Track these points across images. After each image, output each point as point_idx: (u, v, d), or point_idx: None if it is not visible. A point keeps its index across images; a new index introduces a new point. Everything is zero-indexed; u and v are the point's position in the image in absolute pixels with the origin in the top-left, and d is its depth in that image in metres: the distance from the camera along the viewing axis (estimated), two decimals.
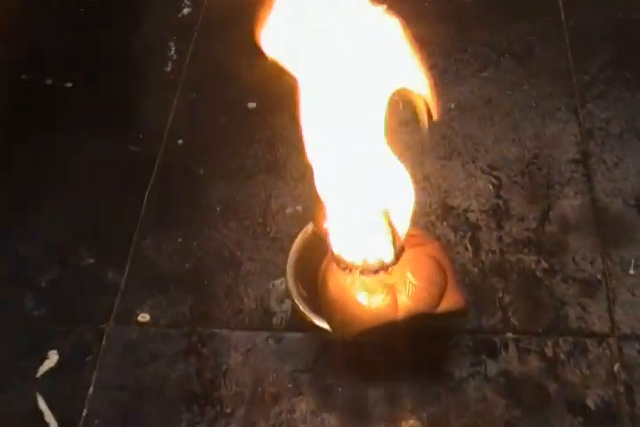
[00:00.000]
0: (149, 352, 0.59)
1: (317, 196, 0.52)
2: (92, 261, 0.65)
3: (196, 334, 0.60)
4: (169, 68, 0.77)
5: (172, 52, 0.78)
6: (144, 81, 0.77)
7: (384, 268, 0.50)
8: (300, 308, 0.55)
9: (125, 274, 0.64)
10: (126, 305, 0.62)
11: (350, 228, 0.49)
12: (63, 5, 0.85)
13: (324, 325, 0.53)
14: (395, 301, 0.49)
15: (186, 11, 0.82)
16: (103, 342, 0.60)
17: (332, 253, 0.51)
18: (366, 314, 0.49)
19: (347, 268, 0.50)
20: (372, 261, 0.50)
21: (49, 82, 0.77)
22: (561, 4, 0.78)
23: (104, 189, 0.69)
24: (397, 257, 0.50)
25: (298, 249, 0.58)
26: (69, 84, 0.77)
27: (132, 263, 0.64)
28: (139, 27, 0.81)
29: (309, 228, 0.59)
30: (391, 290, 0.50)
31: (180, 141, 0.71)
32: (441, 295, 0.50)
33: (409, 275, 0.50)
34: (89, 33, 0.81)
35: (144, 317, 0.62)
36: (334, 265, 0.52)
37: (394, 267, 0.50)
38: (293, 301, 0.56)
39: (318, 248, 0.58)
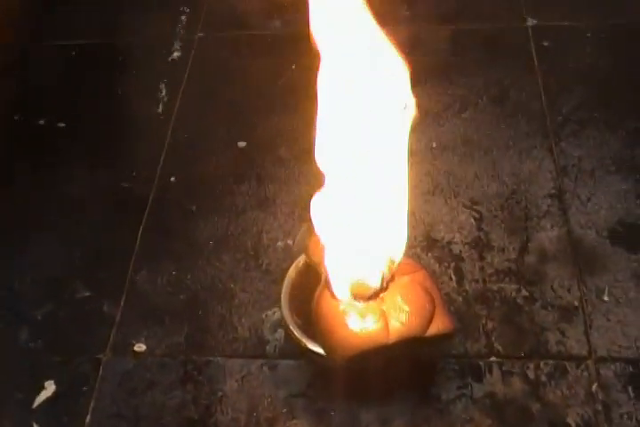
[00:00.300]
0: (146, 381, 0.62)
1: (312, 227, 0.56)
2: (87, 294, 0.68)
3: (191, 362, 0.63)
4: (160, 110, 0.82)
5: (163, 93, 0.83)
6: (136, 121, 0.82)
7: (376, 294, 0.54)
8: (295, 333, 0.58)
9: (121, 306, 0.66)
10: (122, 336, 0.65)
11: (344, 256, 0.53)
12: (56, 48, 0.90)
13: (318, 349, 0.57)
14: (386, 325, 0.53)
15: (176, 55, 0.87)
16: (100, 372, 0.62)
17: (326, 281, 0.56)
18: (359, 338, 0.53)
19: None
20: (365, 288, 0.54)
21: (42, 122, 0.82)
22: (534, 50, 0.84)
23: (99, 224, 0.73)
24: (388, 284, 0.55)
25: (291, 279, 0.62)
26: (62, 125, 0.82)
27: (128, 296, 0.67)
28: (130, 70, 0.86)
29: (302, 259, 0.63)
30: (383, 315, 0.53)
31: (173, 179, 0.75)
32: (430, 320, 0.54)
33: (400, 301, 0.54)
34: (81, 75, 0.86)
35: (140, 347, 0.64)
36: (327, 292, 0.56)
37: (385, 293, 0.55)
38: (287, 327, 0.59)
39: (310, 278, 0.62)
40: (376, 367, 0.57)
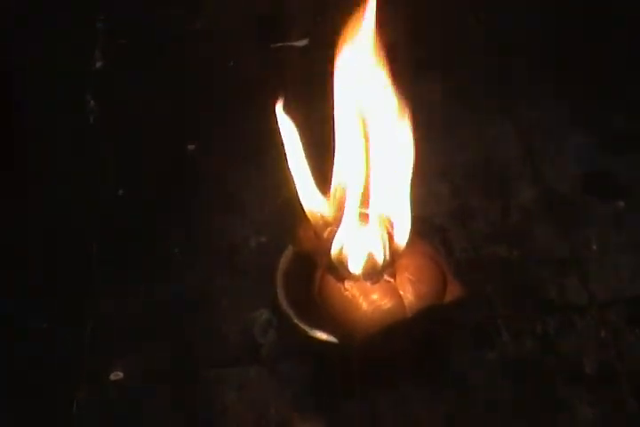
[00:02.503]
0: (134, 410, 0.59)
1: (304, 213, 0.56)
2: (44, 325, 0.63)
3: (180, 380, 0.61)
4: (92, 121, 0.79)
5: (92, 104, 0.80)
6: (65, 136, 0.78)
7: (384, 270, 0.55)
8: (300, 325, 0.58)
9: (86, 333, 0.63)
10: (94, 366, 0.61)
11: (352, 236, 0.54)
12: None
13: (328, 338, 0.57)
14: (400, 301, 0.54)
15: (99, 64, 0.83)
16: (74, 412, 0.59)
17: (330, 266, 0.56)
18: (376, 318, 0.54)
19: (348, 277, 0.55)
20: (373, 267, 0.55)
21: None
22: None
23: (50, 248, 0.69)
24: (395, 259, 0.55)
25: (283, 271, 0.62)
26: None
27: (93, 322, 0.63)
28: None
29: (290, 250, 0.63)
30: (395, 291, 0.55)
31: (121, 192, 0.73)
32: (443, 288, 0.56)
33: (408, 274, 0.55)
34: None
35: (117, 375, 0.61)
36: (330, 277, 0.56)
37: (393, 269, 0.56)
38: (289, 320, 0.58)
39: (299, 270, 0.62)
40: (386, 349, 0.58)
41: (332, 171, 0.55)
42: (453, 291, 0.55)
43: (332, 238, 0.55)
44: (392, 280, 0.55)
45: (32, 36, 0.85)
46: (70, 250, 0.69)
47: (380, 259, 0.54)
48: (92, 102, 0.80)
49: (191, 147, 0.76)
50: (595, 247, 0.66)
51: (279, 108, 0.51)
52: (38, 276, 0.67)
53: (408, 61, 0.80)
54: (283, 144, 0.53)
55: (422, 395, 0.59)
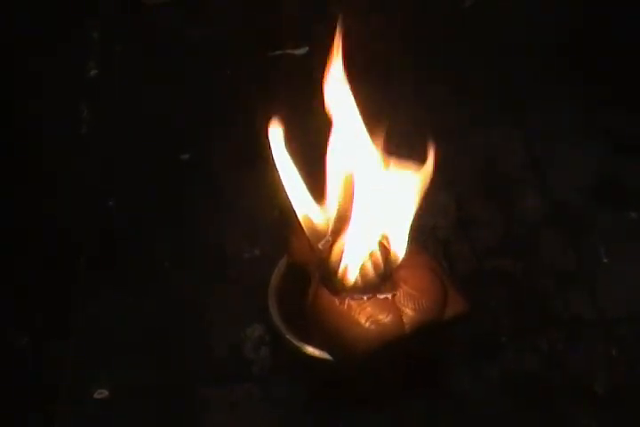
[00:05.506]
0: None
1: (298, 225, 0.54)
2: (25, 340, 0.62)
3: (167, 399, 0.59)
4: (83, 131, 0.77)
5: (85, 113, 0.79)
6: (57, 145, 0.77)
7: (381, 283, 0.52)
8: (293, 341, 0.55)
9: (70, 349, 0.61)
10: (75, 384, 0.59)
11: (350, 247, 0.51)
12: None
13: (322, 355, 0.54)
14: (399, 315, 0.52)
15: (93, 72, 0.82)
16: None
17: (325, 277, 0.54)
18: (374, 334, 0.51)
19: (343, 290, 0.52)
20: (369, 279, 0.52)
21: None
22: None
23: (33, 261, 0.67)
24: (391, 271, 0.53)
25: (275, 286, 0.59)
26: None
27: (75, 336, 0.62)
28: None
29: (283, 263, 0.60)
30: (393, 305, 0.52)
31: (111, 203, 0.71)
32: (444, 303, 0.53)
33: (408, 287, 0.53)
34: None
35: (101, 393, 0.59)
36: (324, 291, 0.54)
37: (391, 281, 0.53)
38: (282, 336, 0.56)
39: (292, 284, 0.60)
40: (383, 365, 0.55)
41: (326, 180, 0.53)
42: (455, 305, 0.53)
43: (327, 249, 0.53)
44: (389, 295, 0.52)
45: (28, 44, 0.84)
46: (55, 261, 0.67)
47: (376, 272, 0.52)
48: (85, 112, 0.78)
49: (185, 157, 0.74)
50: (605, 260, 0.64)
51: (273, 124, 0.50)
52: (21, 288, 0.66)
53: (412, 70, 0.80)
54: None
55: (420, 413, 0.57)
